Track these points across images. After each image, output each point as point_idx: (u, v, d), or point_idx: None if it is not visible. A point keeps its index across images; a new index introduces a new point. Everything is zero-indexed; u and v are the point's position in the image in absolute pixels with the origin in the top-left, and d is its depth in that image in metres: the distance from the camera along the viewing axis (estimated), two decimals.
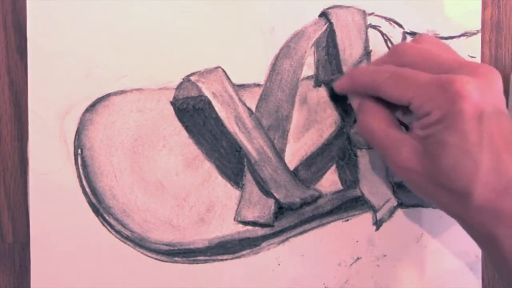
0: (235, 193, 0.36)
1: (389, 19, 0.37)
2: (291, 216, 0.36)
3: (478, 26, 0.38)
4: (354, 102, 0.34)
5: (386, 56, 0.33)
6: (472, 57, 0.38)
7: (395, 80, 0.30)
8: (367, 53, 0.37)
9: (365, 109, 0.32)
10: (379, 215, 0.37)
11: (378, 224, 0.37)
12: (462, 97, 0.27)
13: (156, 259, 0.36)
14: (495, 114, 0.28)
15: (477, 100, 0.27)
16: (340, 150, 0.37)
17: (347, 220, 0.37)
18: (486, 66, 0.29)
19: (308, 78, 0.37)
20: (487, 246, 0.30)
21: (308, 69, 0.37)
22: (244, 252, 0.36)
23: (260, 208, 0.36)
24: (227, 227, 0.36)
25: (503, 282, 0.37)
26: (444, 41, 0.37)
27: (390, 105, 0.32)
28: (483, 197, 0.28)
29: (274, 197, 0.36)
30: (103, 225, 0.35)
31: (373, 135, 0.31)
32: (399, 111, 0.33)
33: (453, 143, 0.28)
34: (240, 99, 0.36)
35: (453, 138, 0.28)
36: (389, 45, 0.37)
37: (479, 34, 0.38)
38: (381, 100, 0.32)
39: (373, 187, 0.37)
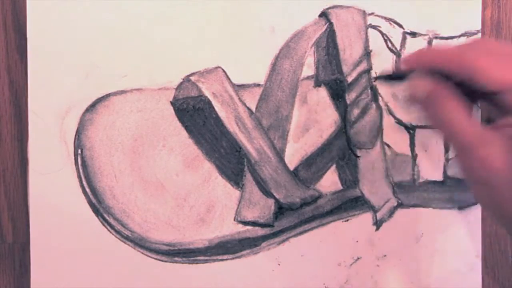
0: (235, 193, 0.36)
1: (389, 19, 0.37)
2: (291, 216, 0.36)
3: (478, 26, 0.38)
4: (422, 87, 0.28)
5: (465, 45, 0.28)
6: None
7: (495, 57, 0.25)
8: (367, 53, 0.37)
9: (443, 98, 0.27)
10: (379, 215, 0.37)
11: (378, 224, 0.37)
12: None
13: (156, 259, 0.36)
14: None
15: None
16: (340, 150, 0.37)
17: (347, 220, 0.37)
18: None
19: (308, 78, 0.37)
20: None
21: (308, 69, 0.37)
22: (244, 252, 0.36)
23: (260, 208, 0.36)
24: (227, 227, 0.36)
25: None
26: (444, 41, 0.37)
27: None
28: None
29: (274, 197, 0.36)
30: (103, 225, 0.35)
31: (452, 130, 0.27)
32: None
33: None
34: (240, 99, 0.36)
35: None
36: (389, 45, 0.37)
37: (479, 34, 0.38)
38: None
39: (373, 187, 0.37)
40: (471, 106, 0.27)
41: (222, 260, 0.36)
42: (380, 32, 0.37)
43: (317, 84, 0.37)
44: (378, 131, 0.37)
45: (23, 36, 0.35)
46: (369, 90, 0.37)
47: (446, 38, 0.37)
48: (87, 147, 0.35)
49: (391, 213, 0.37)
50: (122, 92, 0.35)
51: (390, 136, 0.37)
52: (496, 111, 0.27)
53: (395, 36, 0.37)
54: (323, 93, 0.37)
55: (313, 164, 0.37)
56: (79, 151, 0.35)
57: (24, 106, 0.35)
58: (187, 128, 0.36)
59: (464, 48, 0.26)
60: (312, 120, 0.37)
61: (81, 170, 0.35)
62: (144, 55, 0.35)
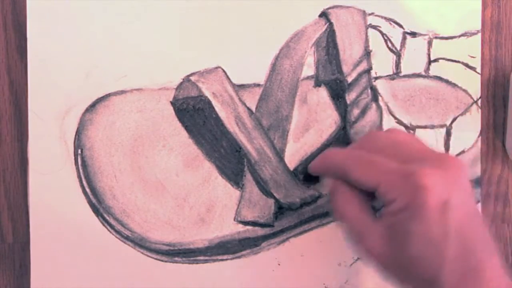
0: (235, 193, 0.36)
1: (389, 19, 0.37)
2: (291, 216, 0.36)
3: (478, 26, 0.38)
4: (329, 183, 0.34)
5: (360, 141, 0.34)
6: (472, 57, 0.38)
7: (363, 165, 0.31)
8: (367, 53, 0.37)
9: (339, 191, 0.32)
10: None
11: None
12: (425, 189, 0.28)
13: (156, 259, 0.36)
14: (460, 205, 0.28)
15: (441, 192, 0.28)
16: None
17: None
18: (453, 159, 0.30)
19: (308, 78, 0.37)
20: None
21: (308, 69, 0.37)
22: (244, 252, 0.36)
23: (260, 208, 0.36)
24: (227, 227, 0.36)
25: None
26: (444, 41, 0.37)
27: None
28: (451, 284, 0.28)
29: (274, 197, 0.36)
30: (103, 225, 0.35)
31: (344, 219, 0.32)
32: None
33: (418, 233, 0.28)
34: (240, 99, 0.36)
35: (417, 228, 0.28)
36: (389, 45, 0.37)
37: (479, 34, 0.38)
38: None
39: None
40: (367, 199, 0.31)
41: (222, 260, 0.36)
42: (380, 32, 0.37)
43: (317, 84, 0.37)
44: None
45: (23, 36, 0.35)
46: (369, 90, 0.37)
47: (446, 38, 0.37)
48: (87, 147, 0.35)
49: None
50: (122, 92, 0.35)
51: None
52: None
53: (395, 36, 0.37)
54: (323, 93, 0.37)
55: None
56: (79, 151, 0.35)
57: (24, 106, 0.35)
58: (187, 128, 0.36)
59: (346, 157, 0.32)
60: (312, 120, 0.37)
61: (81, 170, 0.35)
62: (144, 55, 0.35)
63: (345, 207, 0.32)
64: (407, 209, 0.28)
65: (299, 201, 0.36)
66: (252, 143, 0.36)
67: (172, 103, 0.36)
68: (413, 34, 0.37)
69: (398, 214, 0.29)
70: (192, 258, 0.36)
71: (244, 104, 0.36)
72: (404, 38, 0.37)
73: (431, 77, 0.38)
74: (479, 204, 0.38)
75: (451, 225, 0.28)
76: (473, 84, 0.38)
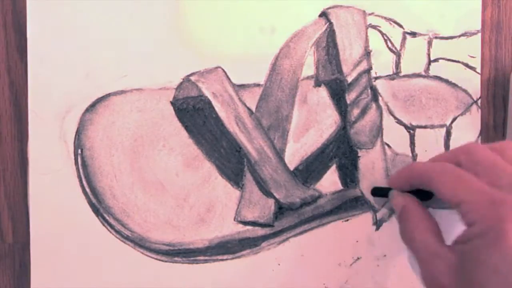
0: (235, 193, 0.36)
1: (389, 19, 0.37)
2: (291, 216, 0.36)
3: (478, 26, 0.38)
4: (397, 204, 0.33)
5: (454, 151, 0.32)
6: (472, 57, 0.38)
7: (450, 178, 0.29)
8: (367, 53, 0.37)
9: (409, 215, 0.31)
10: (379, 215, 0.37)
11: (378, 224, 0.37)
12: (503, 218, 0.26)
13: (156, 259, 0.36)
14: None
15: None
16: (340, 150, 0.37)
17: (347, 220, 0.37)
18: None
19: (308, 78, 0.37)
20: None
21: (308, 69, 0.37)
22: (244, 252, 0.36)
23: (260, 208, 0.36)
24: (227, 227, 0.36)
25: None
26: (444, 41, 0.37)
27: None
28: None
29: (274, 197, 0.36)
30: (103, 225, 0.35)
31: (412, 244, 0.31)
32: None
33: (491, 264, 0.26)
34: (240, 99, 0.36)
35: (491, 258, 0.26)
36: (389, 45, 0.37)
37: (479, 34, 0.38)
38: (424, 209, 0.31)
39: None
40: (435, 222, 0.31)
41: (222, 260, 0.36)
42: (380, 32, 0.37)
43: (317, 84, 0.37)
44: (378, 131, 0.37)
45: (23, 36, 0.35)
46: (369, 90, 0.37)
47: (446, 38, 0.37)
48: (87, 147, 0.35)
49: (391, 213, 0.37)
50: (122, 92, 0.35)
51: (390, 136, 0.37)
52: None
53: (395, 36, 0.37)
54: (323, 93, 0.37)
55: (313, 164, 0.37)
56: (79, 151, 0.35)
57: (24, 106, 0.35)
58: (187, 128, 0.36)
59: (433, 166, 0.31)
60: (312, 120, 0.37)
61: (81, 170, 0.35)
62: (144, 55, 0.35)
63: (415, 229, 0.31)
64: (486, 235, 0.27)
65: (299, 201, 0.36)
66: (252, 143, 0.36)
67: (172, 103, 0.36)
68: (413, 34, 0.37)
69: (474, 239, 0.28)
70: (192, 258, 0.36)
71: (244, 104, 0.36)
72: (404, 38, 0.37)
73: (431, 77, 0.38)
74: None
75: None
76: (473, 84, 0.38)
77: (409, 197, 0.32)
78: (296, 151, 0.37)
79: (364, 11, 0.37)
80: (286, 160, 0.36)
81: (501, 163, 0.30)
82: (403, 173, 0.33)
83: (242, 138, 0.36)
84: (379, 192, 0.36)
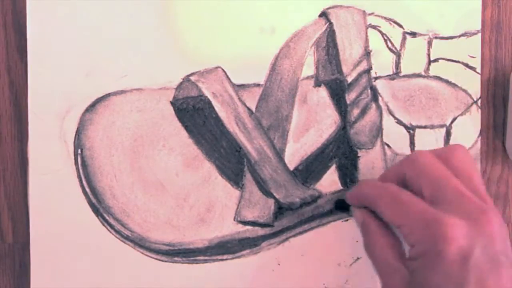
0: (235, 193, 0.36)
1: (389, 19, 0.37)
2: (291, 216, 0.36)
3: (478, 26, 0.38)
4: (357, 220, 0.34)
5: (402, 163, 0.32)
6: (472, 57, 0.38)
7: (389, 202, 0.30)
8: (367, 53, 0.37)
9: (368, 230, 0.33)
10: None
11: None
12: (445, 240, 0.27)
13: (156, 259, 0.36)
14: (482, 257, 0.27)
15: (462, 245, 0.27)
16: (340, 150, 0.37)
17: (347, 220, 0.37)
18: (491, 214, 0.28)
19: (308, 78, 0.37)
20: None
21: (308, 69, 0.37)
22: (244, 252, 0.36)
23: (260, 208, 0.36)
24: (227, 227, 0.36)
25: None
26: (444, 41, 0.37)
27: None
28: None
29: (274, 197, 0.36)
30: (103, 225, 0.35)
31: (371, 258, 0.32)
32: None
33: (434, 284, 0.27)
34: (240, 99, 0.36)
35: (433, 279, 0.27)
36: (389, 45, 0.37)
37: (479, 34, 0.38)
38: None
39: None
40: (394, 236, 0.32)
41: (222, 260, 0.36)
42: (380, 32, 0.37)
43: (317, 84, 0.37)
44: (378, 131, 0.37)
45: (23, 36, 0.35)
46: (369, 90, 0.37)
47: (446, 38, 0.37)
48: (87, 147, 0.35)
49: None
50: (122, 92, 0.35)
51: (390, 136, 0.37)
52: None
53: (395, 36, 0.37)
54: (323, 93, 0.37)
55: (313, 164, 0.37)
56: (79, 151, 0.35)
57: (24, 106, 0.35)
58: (187, 128, 0.36)
59: (378, 190, 0.32)
60: (312, 120, 0.37)
61: (81, 170, 0.35)
62: (144, 55, 0.35)
63: (373, 244, 0.32)
64: (425, 256, 0.28)
65: (299, 201, 0.36)
66: (252, 143, 0.36)
67: (172, 103, 0.36)
68: (413, 34, 0.37)
69: (417, 259, 0.28)
70: (192, 258, 0.36)
71: (244, 104, 0.36)
72: (404, 38, 0.37)
73: (431, 77, 0.38)
74: None
75: (469, 280, 0.26)
76: (473, 84, 0.38)
77: (366, 213, 0.33)
78: (296, 151, 0.37)
79: (364, 11, 0.37)
80: (286, 160, 0.36)
81: (445, 175, 0.30)
82: (354, 193, 0.34)
83: (242, 138, 0.36)
84: (341, 204, 0.36)
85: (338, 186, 0.37)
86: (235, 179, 0.36)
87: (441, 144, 0.38)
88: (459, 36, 0.38)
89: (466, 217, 0.28)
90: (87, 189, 0.35)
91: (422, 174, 0.30)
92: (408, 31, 0.37)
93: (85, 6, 0.35)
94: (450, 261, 0.27)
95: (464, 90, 0.38)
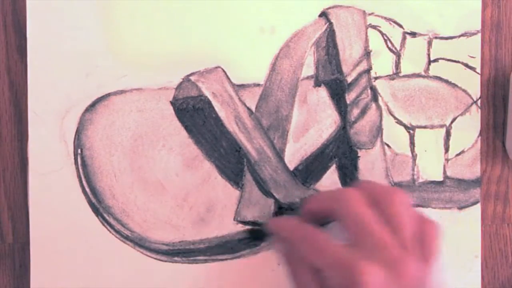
0: (235, 193, 0.36)
1: (389, 19, 0.37)
2: None
3: (478, 26, 0.38)
4: (277, 250, 0.35)
5: (329, 198, 0.33)
6: (472, 57, 0.38)
7: (308, 244, 0.31)
8: (367, 53, 0.37)
9: (290, 262, 0.33)
10: None
11: None
12: (358, 285, 0.27)
13: (156, 259, 0.36)
14: None
15: None
16: (340, 150, 0.37)
17: None
18: (410, 263, 0.28)
19: (308, 78, 0.37)
20: None
21: (308, 69, 0.37)
22: (244, 252, 0.36)
23: (260, 208, 0.36)
24: (226, 227, 0.36)
25: None
26: (444, 41, 0.37)
27: None
28: None
29: (274, 197, 0.36)
30: (103, 225, 0.35)
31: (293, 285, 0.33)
32: None
33: None
34: (240, 99, 0.36)
35: None
36: (389, 45, 0.37)
37: (479, 34, 0.38)
38: None
39: None
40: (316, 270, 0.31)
41: (222, 260, 0.36)
42: (380, 32, 0.37)
43: (317, 84, 0.37)
44: (378, 131, 0.37)
45: (23, 36, 0.35)
46: (369, 90, 0.37)
47: (446, 38, 0.37)
48: (87, 147, 0.35)
49: None
50: (122, 92, 0.35)
51: (390, 136, 0.37)
52: None
53: (395, 36, 0.37)
54: (323, 93, 0.37)
55: (313, 164, 0.37)
56: (79, 151, 0.35)
57: (24, 106, 0.35)
58: (187, 128, 0.36)
59: (295, 231, 0.32)
60: (312, 120, 0.37)
61: (81, 170, 0.35)
62: (144, 55, 0.35)
63: (295, 277, 0.33)
64: None
65: (299, 201, 0.36)
66: (252, 143, 0.36)
67: (172, 103, 0.36)
68: (413, 34, 0.37)
69: None
70: (191, 258, 0.36)
71: (244, 104, 0.36)
72: (404, 38, 0.37)
73: (431, 77, 0.38)
74: (479, 204, 0.38)
75: None
76: (473, 84, 0.38)
77: (286, 247, 0.34)
78: (296, 151, 0.37)
79: (364, 11, 0.37)
80: (286, 160, 0.36)
81: (368, 220, 0.30)
82: (274, 230, 0.35)
83: (242, 138, 0.36)
84: (257, 235, 0.36)
85: (338, 186, 0.37)
86: (235, 179, 0.36)
87: (440, 144, 0.38)
88: (459, 36, 0.38)
89: (384, 265, 0.28)
90: (87, 189, 0.35)
91: (347, 216, 0.30)
92: (408, 31, 0.37)
93: (85, 6, 0.35)
94: None
95: (464, 90, 0.38)
